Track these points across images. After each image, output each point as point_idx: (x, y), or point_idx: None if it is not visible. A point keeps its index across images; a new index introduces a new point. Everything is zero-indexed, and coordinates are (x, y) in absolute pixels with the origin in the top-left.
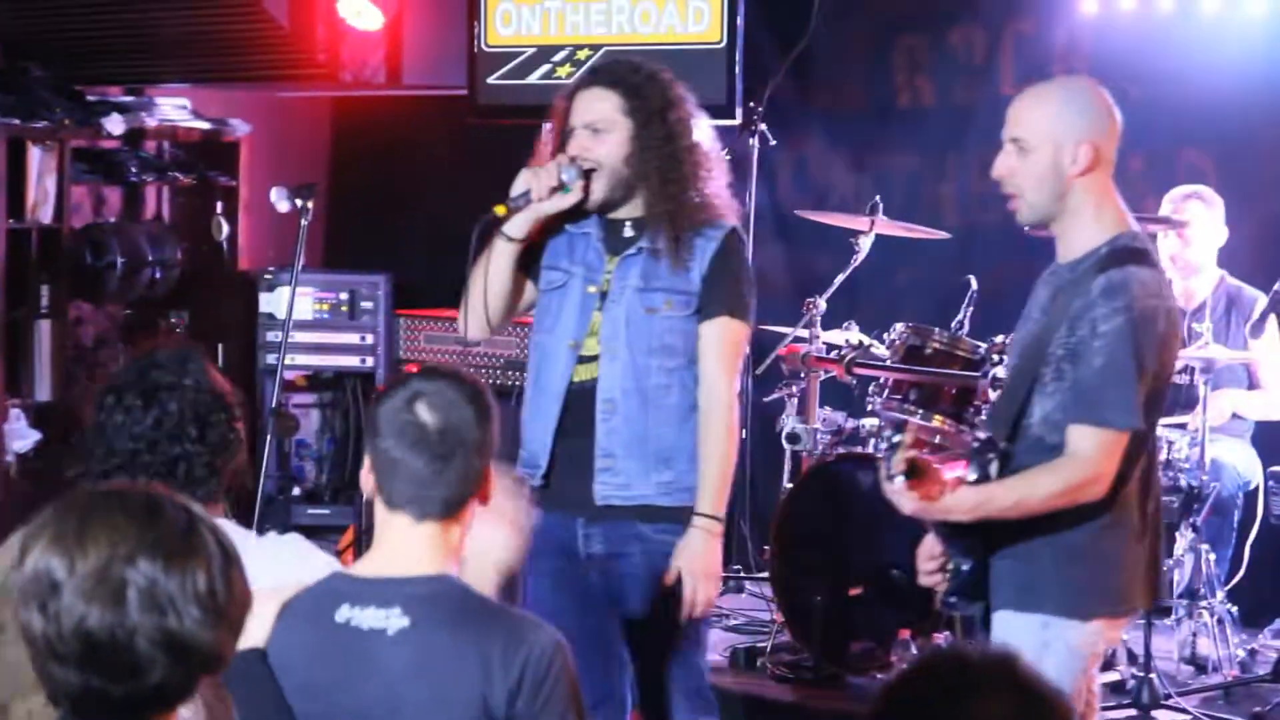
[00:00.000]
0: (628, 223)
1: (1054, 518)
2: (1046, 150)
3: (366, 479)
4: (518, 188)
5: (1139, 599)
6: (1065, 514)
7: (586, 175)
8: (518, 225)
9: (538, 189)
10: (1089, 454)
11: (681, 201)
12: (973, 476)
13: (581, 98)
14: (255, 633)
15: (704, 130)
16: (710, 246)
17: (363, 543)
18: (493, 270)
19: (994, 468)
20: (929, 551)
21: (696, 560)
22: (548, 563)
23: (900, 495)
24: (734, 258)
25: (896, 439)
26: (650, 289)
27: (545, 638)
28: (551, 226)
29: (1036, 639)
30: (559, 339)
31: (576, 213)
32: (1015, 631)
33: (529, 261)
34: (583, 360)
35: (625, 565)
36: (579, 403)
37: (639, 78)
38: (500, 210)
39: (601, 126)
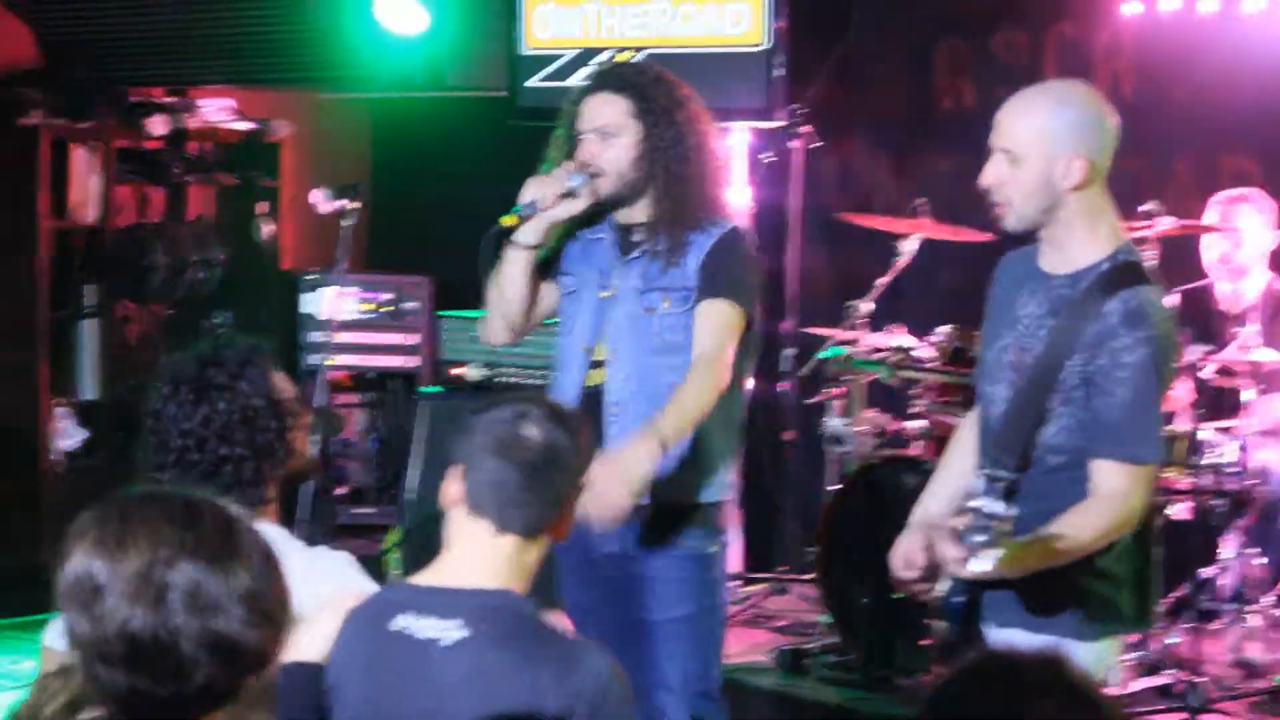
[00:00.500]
0: (637, 227)
1: None
2: (1037, 163)
3: (452, 487)
4: (525, 197)
5: (1142, 619)
6: None
7: (594, 180)
8: (528, 233)
9: (544, 197)
10: (1124, 490)
11: (685, 200)
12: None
13: (589, 103)
14: (317, 644)
15: (712, 131)
16: (708, 242)
17: (407, 543)
18: (507, 278)
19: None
20: (910, 559)
21: (619, 457)
22: (569, 558)
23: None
24: (733, 250)
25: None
26: (649, 289)
27: (601, 664)
28: (568, 232)
29: None
30: (574, 343)
31: (592, 218)
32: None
33: (550, 267)
34: (596, 365)
35: (640, 564)
36: (592, 406)
37: (645, 79)
38: (507, 220)
39: (610, 131)
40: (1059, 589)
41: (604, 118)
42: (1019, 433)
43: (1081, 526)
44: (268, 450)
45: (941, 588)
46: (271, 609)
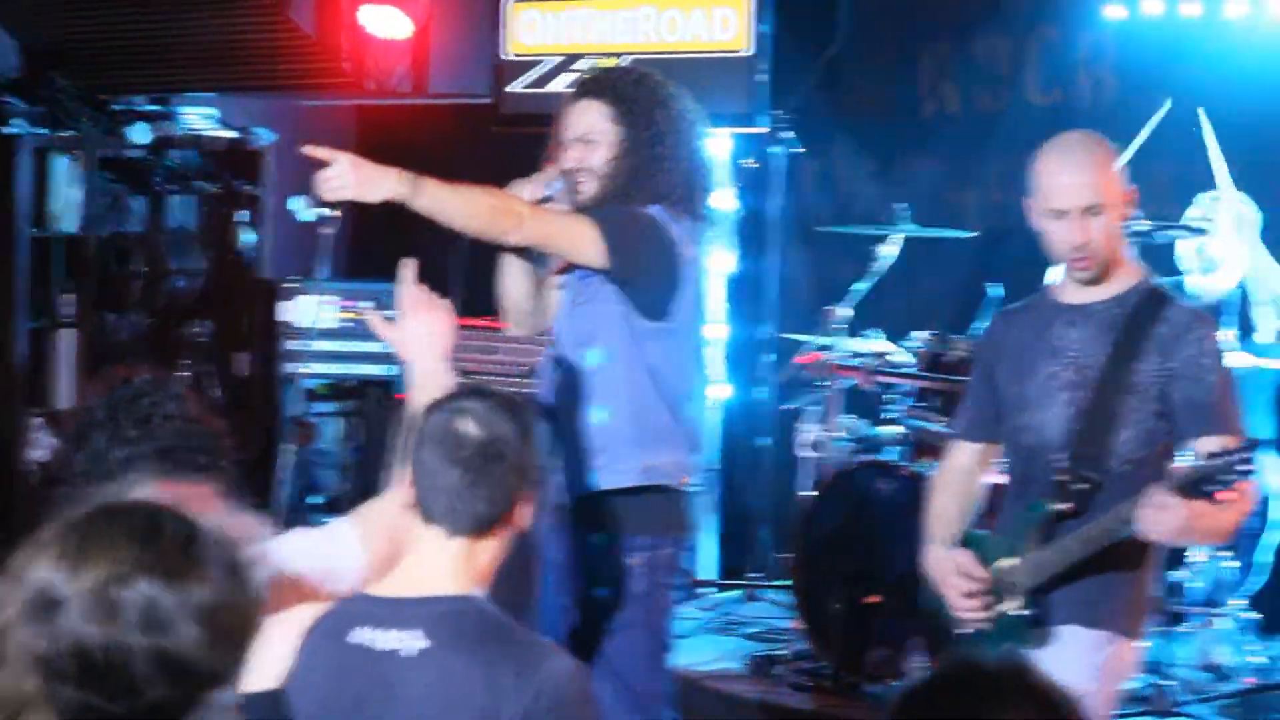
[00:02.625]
0: None
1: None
2: (1117, 208)
3: (409, 489)
4: None
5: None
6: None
7: (578, 185)
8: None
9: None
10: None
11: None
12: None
13: (572, 111)
14: (274, 666)
15: (698, 128)
16: None
17: None
18: (505, 280)
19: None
20: (965, 572)
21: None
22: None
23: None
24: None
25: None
26: (578, 281)
27: (562, 665)
28: None
29: (1100, 653)
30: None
31: None
32: (1081, 644)
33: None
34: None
35: (557, 553)
36: None
37: (627, 82)
38: None
39: (593, 137)
40: (1110, 591)
41: (586, 125)
42: (1096, 439)
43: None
44: (205, 481)
45: (1009, 606)
46: (231, 627)
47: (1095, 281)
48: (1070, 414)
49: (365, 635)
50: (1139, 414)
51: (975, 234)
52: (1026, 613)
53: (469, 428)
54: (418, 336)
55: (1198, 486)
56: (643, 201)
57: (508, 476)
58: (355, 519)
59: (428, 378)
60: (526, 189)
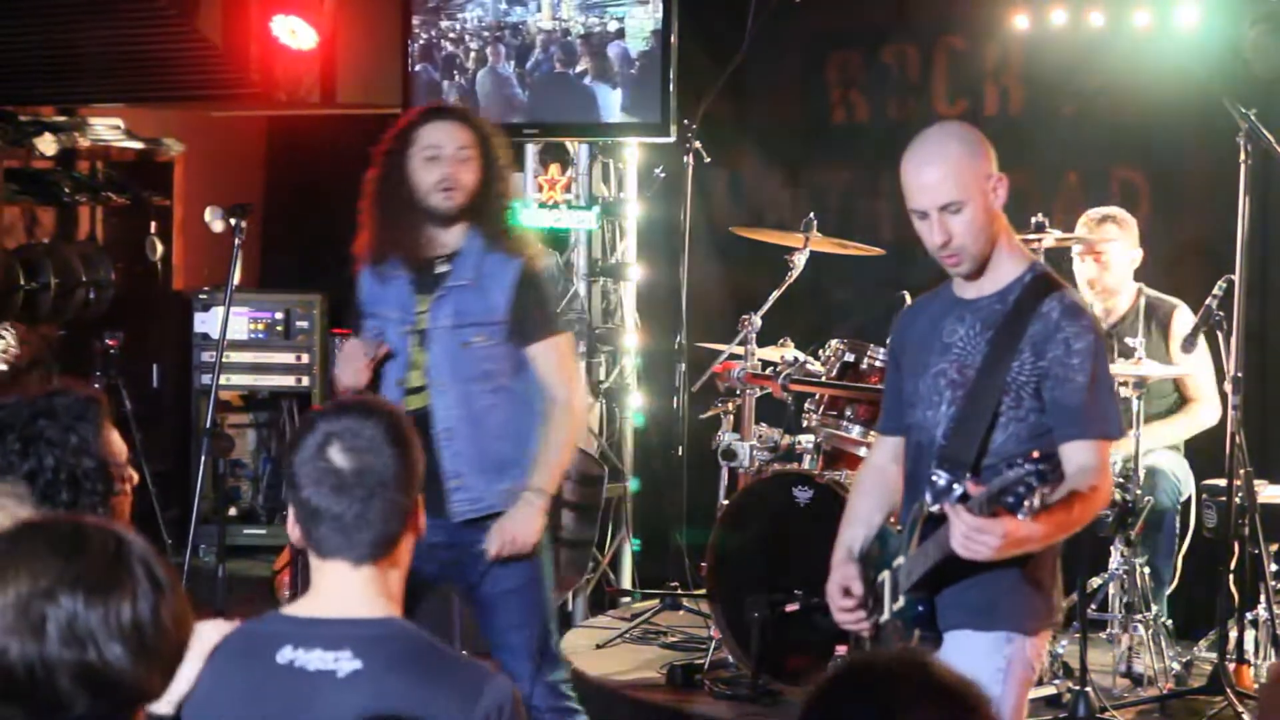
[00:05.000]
0: (439, 260)
1: None
2: (979, 200)
3: (293, 529)
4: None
5: (1058, 611)
6: None
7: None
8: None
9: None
10: (1099, 465)
11: (503, 231)
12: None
13: (440, 127)
14: (174, 688)
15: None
16: (509, 275)
17: (299, 563)
18: None
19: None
20: (844, 587)
21: (511, 522)
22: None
23: (992, 528)
24: (536, 285)
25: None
26: (461, 325)
27: (501, 688)
28: (366, 274)
29: (999, 655)
30: (389, 380)
31: (441, 223)
32: (978, 649)
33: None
34: (411, 392)
35: (473, 568)
36: (418, 428)
37: (479, 119)
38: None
39: (467, 156)
40: (1001, 591)
41: (459, 140)
42: (970, 438)
43: (1080, 503)
44: (89, 513)
45: (896, 606)
46: (156, 643)
47: (973, 275)
48: (950, 413)
49: (290, 655)
50: (1016, 412)
51: (883, 252)
52: (910, 613)
53: (339, 459)
54: None
55: (999, 500)
56: (485, 213)
57: (393, 495)
58: None
59: None
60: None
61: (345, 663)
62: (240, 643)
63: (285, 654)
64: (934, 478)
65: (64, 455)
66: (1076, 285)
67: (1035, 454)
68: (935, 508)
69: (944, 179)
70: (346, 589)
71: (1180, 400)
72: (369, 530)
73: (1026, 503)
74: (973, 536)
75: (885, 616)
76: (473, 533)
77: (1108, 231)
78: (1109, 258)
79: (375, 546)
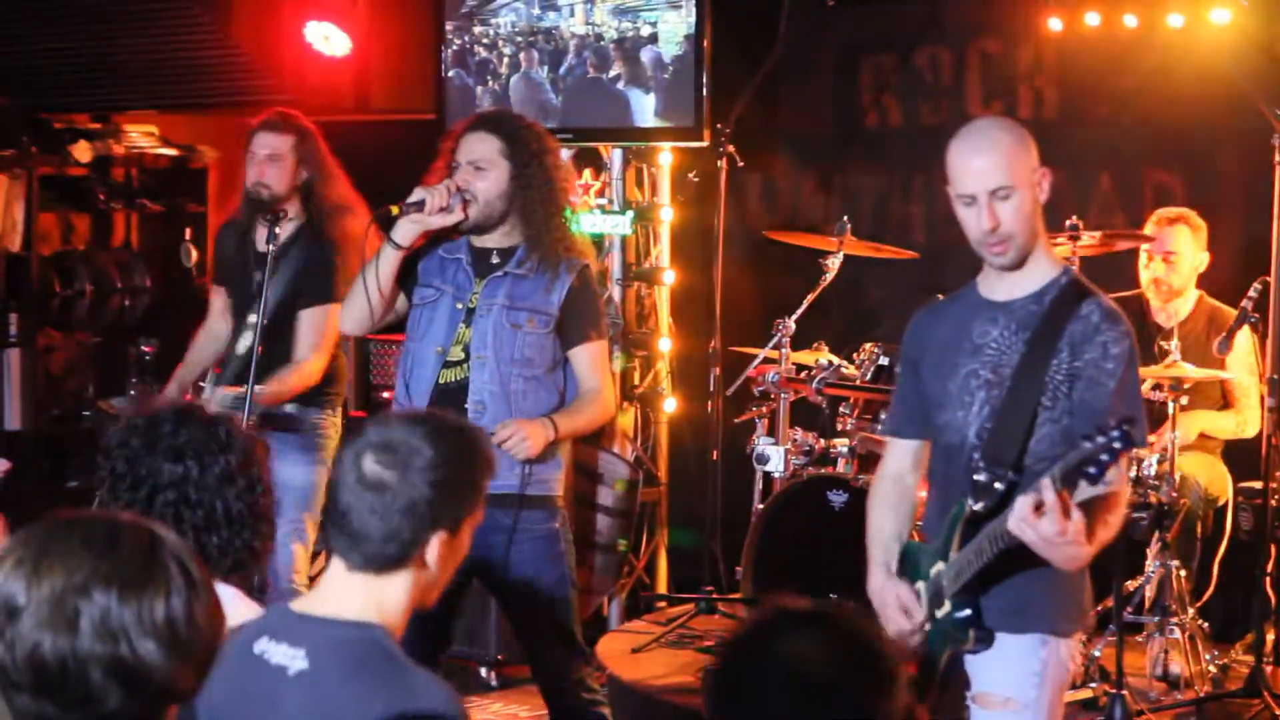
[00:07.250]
0: (495, 251)
1: None
2: (1028, 189)
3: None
4: (414, 196)
5: (1091, 614)
6: None
7: (465, 204)
8: (404, 234)
9: (430, 202)
10: (1122, 471)
11: (552, 233)
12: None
13: (467, 139)
14: None
15: (570, 178)
16: (568, 278)
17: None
18: (381, 273)
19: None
20: (903, 603)
21: (523, 423)
22: None
23: (1051, 517)
24: (588, 289)
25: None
26: (516, 307)
27: (439, 696)
28: (427, 250)
29: (1035, 658)
30: (428, 346)
31: (449, 238)
32: (1013, 652)
33: (405, 279)
34: (447, 365)
35: (493, 549)
36: (446, 401)
37: (515, 125)
38: (395, 210)
39: (483, 165)
40: (1034, 594)
41: (477, 153)
42: (1012, 438)
43: (1112, 508)
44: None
45: (940, 611)
46: (189, 640)
47: (1014, 267)
48: (987, 413)
49: (263, 645)
50: (1053, 412)
51: (917, 255)
52: (958, 615)
53: (370, 465)
54: None
55: (1081, 470)
56: (507, 221)
57: (400, 519)
58: None
59: None
60: (429, 194)
61: (297, 662)
62: (247, 630)
63: (260, 644)
64: (976, 477)
65: (231, 457)
66: (1140, 284)
67: (1113, 421)
68: (979, 506)
69: (995, 164)
70: (339, 590)
71: (1226, 406)
72: (368, 543)
73: (1109, 472)
74: (1034, 515)
75: (929, 625)
76: (491, 510)
77: (1179, 232)
78: (1178, 258)
79: (369, 560)
